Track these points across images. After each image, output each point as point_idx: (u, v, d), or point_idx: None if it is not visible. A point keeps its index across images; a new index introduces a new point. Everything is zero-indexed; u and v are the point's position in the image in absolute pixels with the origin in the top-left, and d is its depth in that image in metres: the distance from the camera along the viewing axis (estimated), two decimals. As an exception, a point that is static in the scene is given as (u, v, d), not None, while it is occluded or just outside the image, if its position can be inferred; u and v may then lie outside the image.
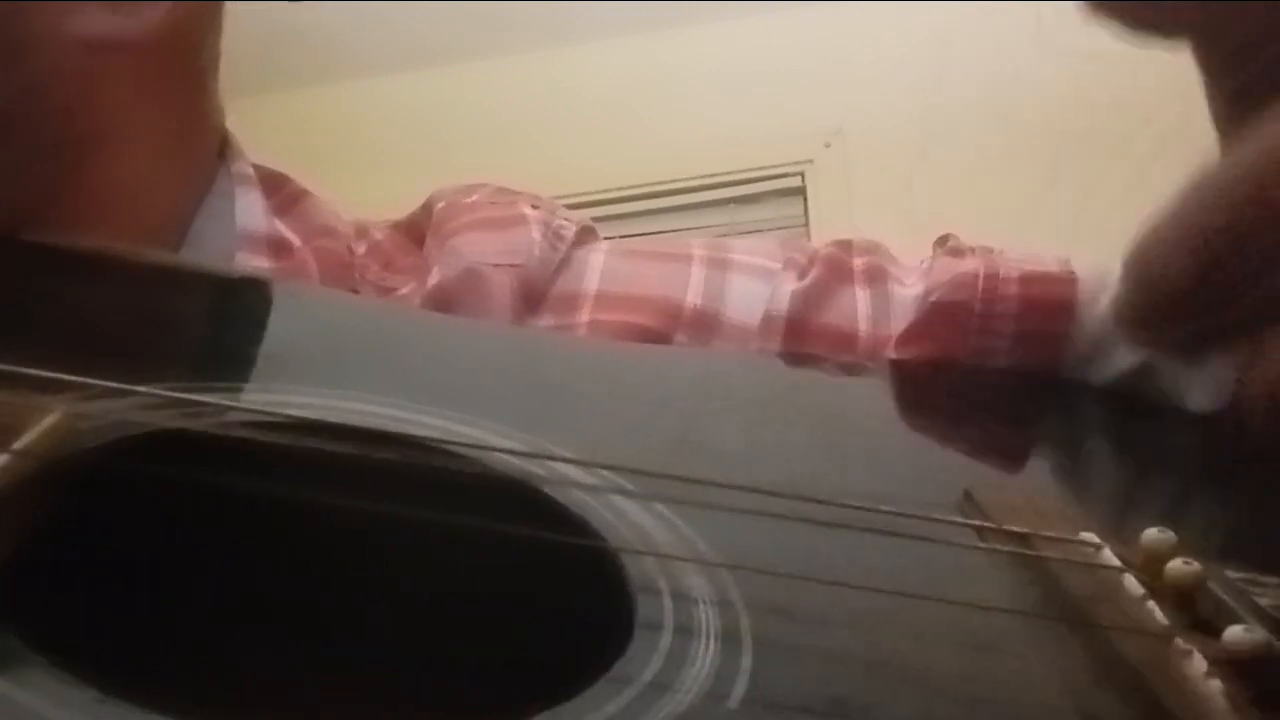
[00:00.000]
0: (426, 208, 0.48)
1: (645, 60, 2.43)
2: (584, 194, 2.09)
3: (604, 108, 2.41)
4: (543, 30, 2.41)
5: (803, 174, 2.34)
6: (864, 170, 2.28)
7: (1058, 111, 2.20)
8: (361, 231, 0.47)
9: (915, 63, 2.32)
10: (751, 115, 2.34)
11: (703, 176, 2.34)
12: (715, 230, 2.34)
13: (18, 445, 0.22)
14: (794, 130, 2.31)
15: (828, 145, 2.32)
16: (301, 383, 0.29)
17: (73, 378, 0.24)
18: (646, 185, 2.35)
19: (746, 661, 0.22)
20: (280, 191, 0.46)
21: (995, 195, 2.09)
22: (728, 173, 2.34)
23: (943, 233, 0.49)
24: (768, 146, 2.32)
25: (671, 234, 2.28)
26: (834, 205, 2.28)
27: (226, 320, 0.36)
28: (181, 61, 0.41)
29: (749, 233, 2.33)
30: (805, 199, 2.33)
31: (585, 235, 0.47)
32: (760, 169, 2.34)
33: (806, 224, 2.32)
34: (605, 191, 2.25)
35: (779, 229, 2.34)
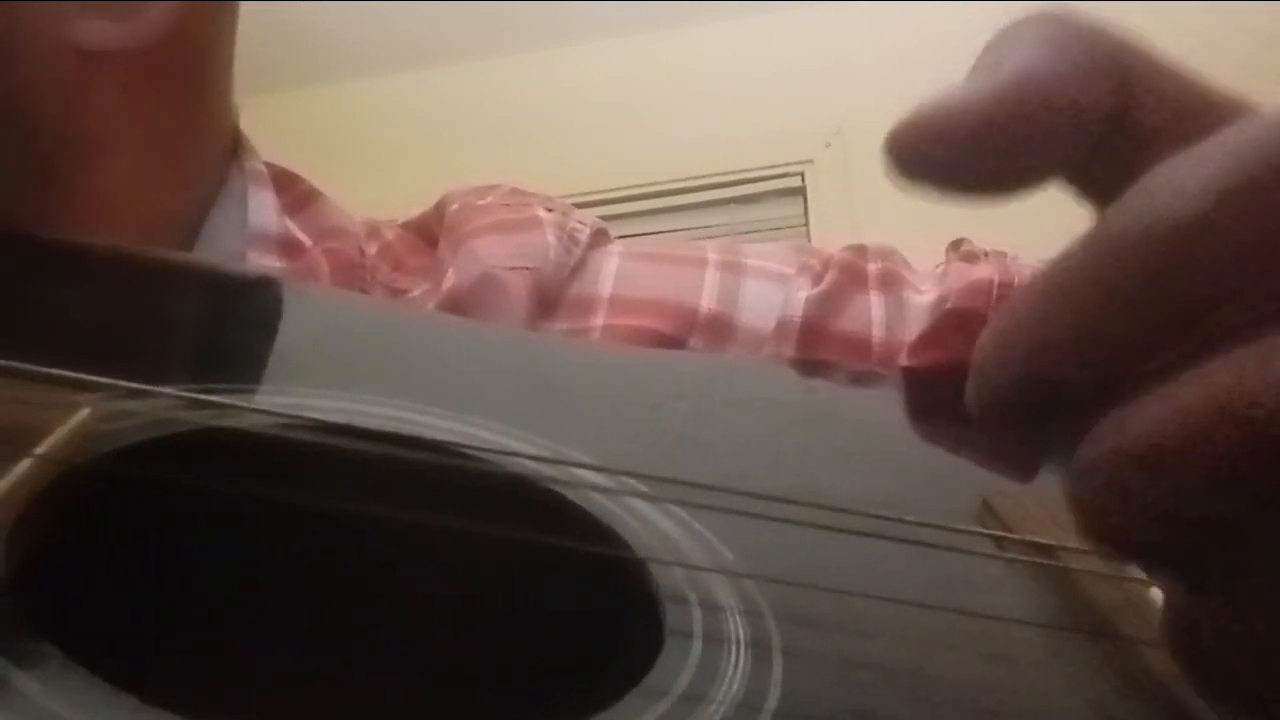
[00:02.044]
0: (439, 209, 0.48)
1: (645, 60, 2.43)
2: (584, 194, 2.09)
3: (604, 108, 2.41)
4: (543, 30, 2.41)
5: (803, 174, 2.33)
6: (864, 170, 2.28)
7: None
8: (372, 232, 0.47)
9: (915, 63, 2.31)
10: (751, 115, 2.34)
11: (703, 176, 2.34)
12: (715, 230, 2.34)
13: (40, 449, 0.22)
14: (794, 130, 2.31)
15: (828, 145, 2.32)
16: (317, 385, 0.29)
17: (94, 378, 0.24)
18: (646, 185, 2.35)
19: (777, 672, 0.22)
20: (292, 191, 0.46)
21: (996, 196, 2.09)
22: (728, 173, 2.34)
23: (941, 233, 0.49)
24: (768, 146, 2.32)
25: (671, 234, 2.28)
26: (834, 205, 2.28)
27: (240, 321, 0.35)
28: (188, 62, 0.41)
29: (749, 233, 2.33)
30: (805, 199, 2.33)
31: (599, 238, 0.47)
32: (760, 169, 2.34)
33: (806, 224, 2.32)
34: (605, 191, 2.25)
35: (779, 229, 2.33)
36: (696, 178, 2.34)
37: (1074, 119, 0.19)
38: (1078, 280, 0.17)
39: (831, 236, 2.20)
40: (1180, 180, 0.16)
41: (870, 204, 2.24)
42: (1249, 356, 0.15)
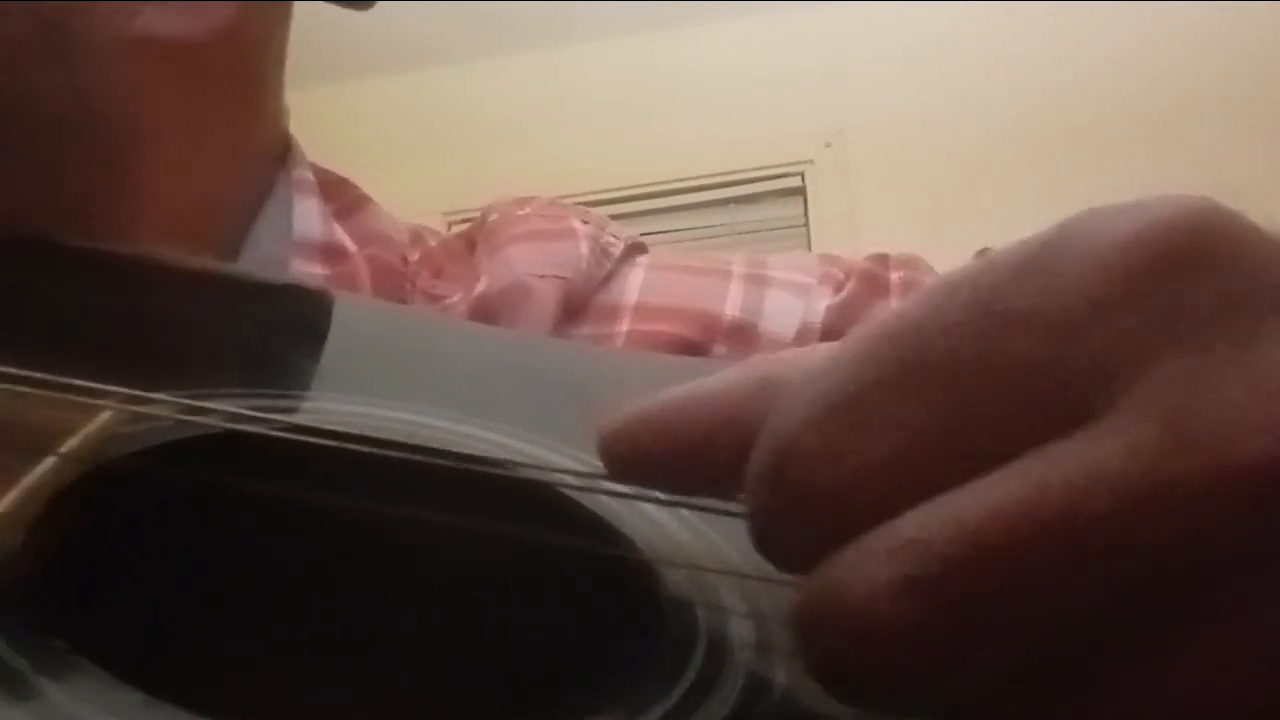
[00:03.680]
0: (481, 219, 0.48)
1: (645, 60, 2.44)
2: (584, 194, 2.10)
3: (604, 108, 2.41)
4: (543, 30, 2.41)
5: (803, 174, 2.34)
6: (864, 170, 2.28)
7: (1059, 111, 2.21)
8: (416, 238, 0.47)
9: (915, 63, 2.32)
10: (751, 115, 2.35)
11: (703, 176, 2.35)
12: (715, 230, 2.35)
13: (64, 449, 0.22)
14: (794, 130, 2.32)
15: (828, 145, 2.33)
16: (339, 391, 0.29)
17: (101, 386, 0.24)
18: (646, 185, 2.35)
19: (781, 675, 0.22)
20: (342, 198, 0.46)
21: (996, 196, 2.09)
22: (728, 173, 2.35)
23: (940, 234, 0.49)
24: (768, 146, 2.32)
25: (671, 234, 2.29)
26: (834, 205, 2.28)
27: (264, 329, 0.35)
28: (242, 62, 0.41)
29: (749, 233, 2.33)
30: (805, 199, 2.34)
31: (632, 251, 0.48)
32: (760, 169, 2.35)
33: (806, 224, 2.33)
34: (605, 191, 2.26)
35: (779, 229, 2.34)
36: (696, 178, 2.35)
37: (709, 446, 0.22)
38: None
39: (831, 237, 2.21)
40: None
41: (870, 204, 2.24)
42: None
